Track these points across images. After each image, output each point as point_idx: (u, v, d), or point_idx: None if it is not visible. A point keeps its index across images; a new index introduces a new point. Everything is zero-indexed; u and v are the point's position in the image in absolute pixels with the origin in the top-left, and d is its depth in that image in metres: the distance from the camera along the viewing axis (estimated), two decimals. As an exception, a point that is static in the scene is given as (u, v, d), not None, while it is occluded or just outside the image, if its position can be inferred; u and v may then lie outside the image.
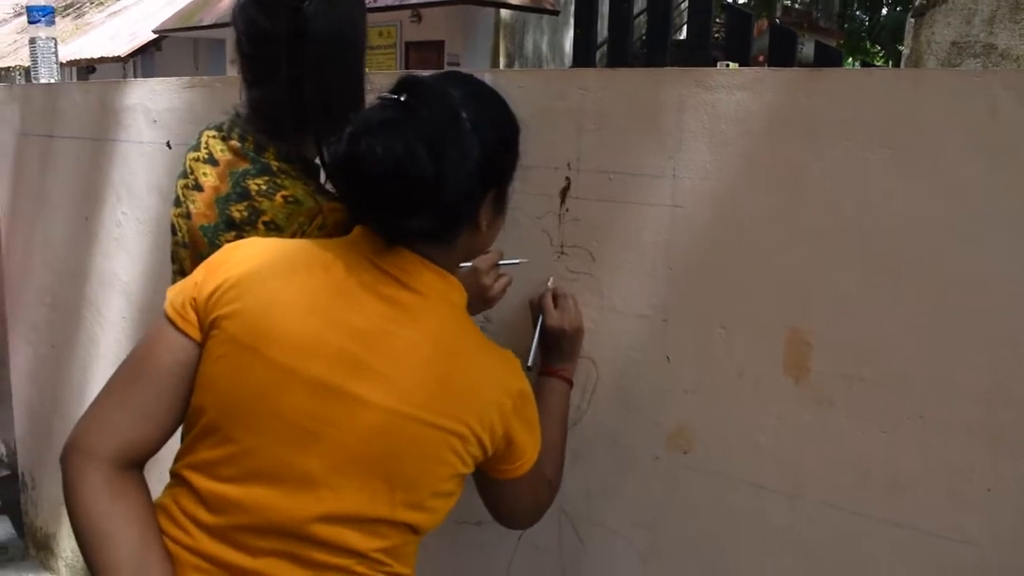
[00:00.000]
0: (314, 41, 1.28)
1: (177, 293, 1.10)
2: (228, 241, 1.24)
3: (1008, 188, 1.04)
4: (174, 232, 1.44)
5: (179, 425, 1.11)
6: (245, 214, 1.31)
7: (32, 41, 2.75)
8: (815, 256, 1.18)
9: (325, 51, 1.30)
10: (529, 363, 1.35)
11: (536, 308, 1.41)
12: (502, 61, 11.29)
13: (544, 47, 12.17)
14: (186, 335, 1.08)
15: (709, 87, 1.25)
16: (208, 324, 1.07)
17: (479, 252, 1.22)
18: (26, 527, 3.13)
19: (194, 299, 1.08)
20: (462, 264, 1.22)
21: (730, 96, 1.23)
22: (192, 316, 1.08)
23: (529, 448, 1.16)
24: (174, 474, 1.11)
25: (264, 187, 1.30)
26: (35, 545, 3.07)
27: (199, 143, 1.40)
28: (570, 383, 1.40)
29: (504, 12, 11.02)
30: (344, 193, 1.14)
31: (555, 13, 11.37)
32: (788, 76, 1.21)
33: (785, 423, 1.23)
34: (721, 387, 1.29)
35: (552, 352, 1.39)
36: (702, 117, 1.26)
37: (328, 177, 1.11)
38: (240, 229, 1.31)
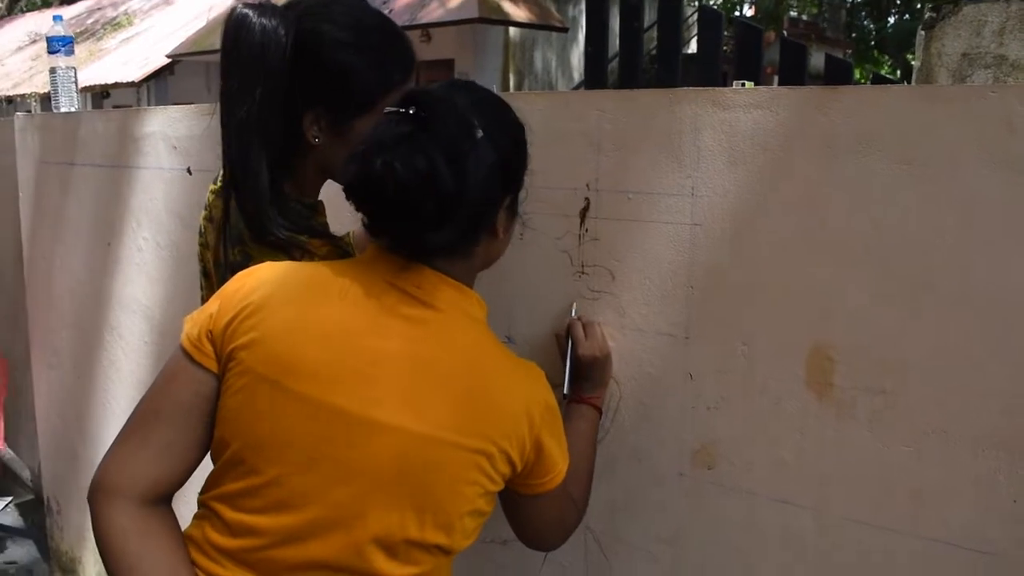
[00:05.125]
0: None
1: (193, 324, 1.10)
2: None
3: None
4: (200, 260, 1.46)
5: (203, 456, 1.11)
6: (239, 258, 1.28)
7: (52, 71, 2.78)
8: (835, 272, 1.19)
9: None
10: (565, 392, 1.36)
11: (564, 338, 1.41)
12: (512, 79, 11.35)
13: (553, 64, 12.22)
14: (204, 368, 1.07)
15: (725, 106, 1.27)
16: (226, 356, 1.06)
17: (495, 259, 1.22)
18: (51, 551, 3.15)
19: (210, 331, 1.07)
20: None
21: (747, 115, 1.25)
22: (209, 348, 1.07)
23: (559, 461, 1.15)
24: (202, 504, 1.11)
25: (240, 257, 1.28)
26: (60, 569, 3.09)
27: (218, 175, 1.42)
28: (599, 410, 1.41)
29: (513, 30, 11.09)
30: (363, 213, 1.12)
31: (564, 30, 11.42)
32: (804, 94, 1.22)
33: (808, 438, 1.24)
34: (744, 403, 1.29)
35: (582, 380, 1.39)
36: (719, 136, 1.27)
37: (347, 199, 1.10)
38: (237, 271, 1.24)
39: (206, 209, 1.42)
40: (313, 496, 1.04)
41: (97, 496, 1.06)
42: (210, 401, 1.08)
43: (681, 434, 1.37)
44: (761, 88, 1.32)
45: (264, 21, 1.21)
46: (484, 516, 1.12)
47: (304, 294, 1.08)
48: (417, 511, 1.05)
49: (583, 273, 1.44)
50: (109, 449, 1.09)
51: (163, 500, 1.08)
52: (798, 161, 1.21)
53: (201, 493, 1.12)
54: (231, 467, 1.07)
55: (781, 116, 1.22)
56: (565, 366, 1.39)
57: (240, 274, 1.13)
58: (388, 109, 1.09)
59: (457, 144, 1.04)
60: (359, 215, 1.11)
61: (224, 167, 1.28)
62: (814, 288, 1.21)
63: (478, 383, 1.08)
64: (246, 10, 1.22)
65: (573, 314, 1.43)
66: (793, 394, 1.24)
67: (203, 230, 1.42)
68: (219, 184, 1.37)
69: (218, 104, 1.26)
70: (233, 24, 1.22)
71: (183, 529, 1.12)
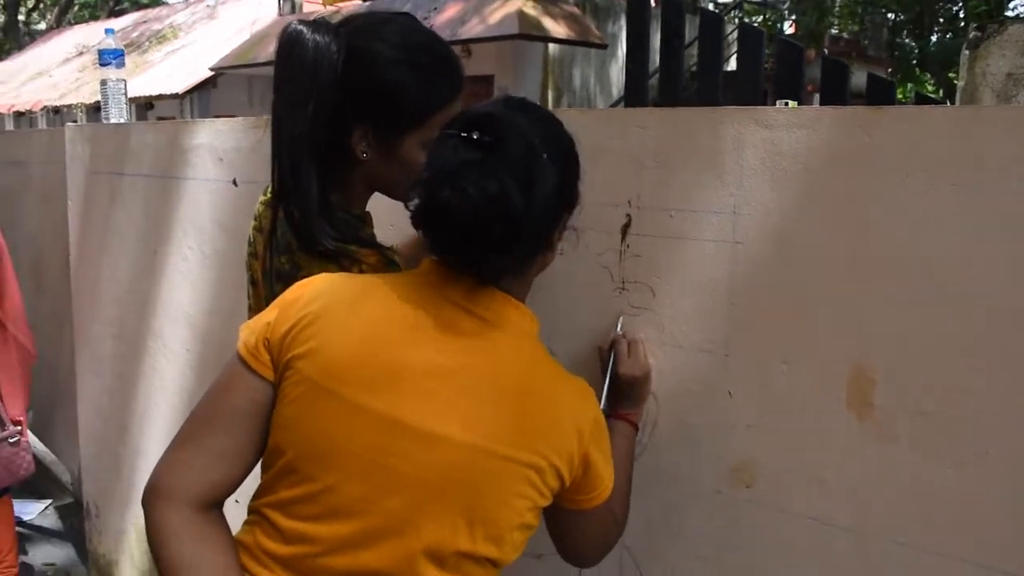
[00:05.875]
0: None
1: (250, 333, 1.11)
2: (280, 289, 1.22)
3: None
4: (248, 270, 1.48)
5: (257, 462, 1.12)
6: (287, 267, 1.31)
7: (103, 83, 2.85)
8: (876, 291, 1.18)
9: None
10: (602, 407, 1.36)
11: (607, 353, 1.42)
12: (551, 95, 11.38)
13: (592, 80, 12.24)
14: (260, 376, 1.09)
15: (768, 125, 1.27)
16: (283, 365, 1.08)
17: (544, 268, 1.22)
18: (89, 554, 3.20)
19: (267, 339, 1.09)
20: None
21: (789, 134, 1.25)
22: (266, 357, 1.09)
23: (606, 477, 1.16)
24: (254, 511, 1.13)
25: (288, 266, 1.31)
26: (97, 572, 3.14)
27: (267, 187, 1.44)
28: (636, 427, 1.41)
29: (552, 46, 11.12)
30: (430, 238, 1.11)
31: (603, 47, 11.44)
32: (846, 113, 1.22)
33: (849, 458, 1.23)
34: (783, 422, 1.29)
35: (622, 397, 1.40)
36: (762, 154, 1.27)
37: (415, 226, 1.10)
38: (286, 280, 1.27)
39: (255, 220, 1.44)
40: (367, 505, 1.05)
41: (152, 499, 1.08)
42: (265, 409, 1.09)
43: (719, 452, 1.37)
44: (804, 108, 1.32)
45: (317, 38, 1.23)
46: (532, 530, 1.13)
47: (362, 307, 1.10)
48: (469, 523, 1.06)
49: (624, 289, 1.45)
50: (164, 453, 1.11)
51: (216, 505, 1.10)
52: (840, 181, 1.21)
53: (253, 499, 1.14)
54: (285, 475, 1.08)
55: (824, 136, 1.22)
56: (604, 380, 1.40)
57: (298, 284, 1.15)
58: (448, 132, 1.09)
59: (526, 168, 1.05)
60: (402, 227, 1.13)
61: (273, 179, 1.31)
62: (855, 308, 1.21)
63: (531, 398, 1.09)
64: (300, 27, 1.24)
65: (618, 329, 1.43)
66: (833, 413, 1.24)
67: (252, 240, 1.45)
68: (268, 195, 1.40)
69: (269, 117, 1.28)
70: (287, 40, 1.25)
71: (234, 534, 1.14)
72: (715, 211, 1.33)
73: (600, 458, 1.14)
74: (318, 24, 1.25)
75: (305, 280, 1.15)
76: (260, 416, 1.10)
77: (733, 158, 1.30)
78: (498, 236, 1.04)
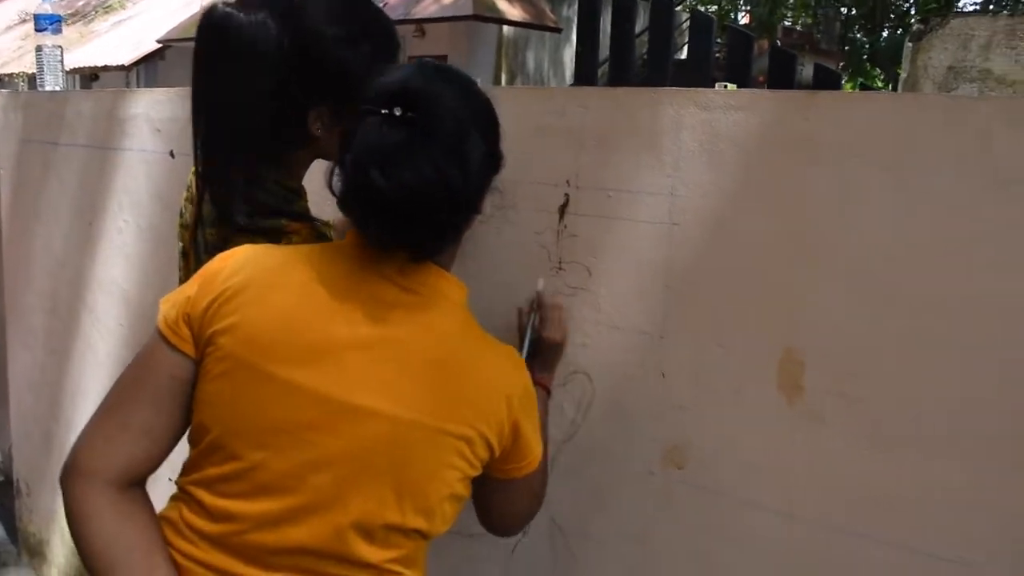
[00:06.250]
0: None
1: (171, 307, 1.08)
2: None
3: (999, 209, 1.05)
4: (179, 240, 1.45)
5: (179, 439, 1.10)
6: (215, 240, 1.28)
7: (39, 48, 2.76)
8: (811, 275, 1.19)
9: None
10: (523, 354, 1.36)
11: (527, 316, 1.41)
12: (504, 77, 11.35)
13: (545, 63, 12.23)
14: (181, 352, 1.06)
15: (706, 107, 1.27)
16: (204, 340, 1.05)
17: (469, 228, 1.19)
18: (19, 533, 3.13)
19: (188, 314, 1.06)
20: None
21: (728, 116, 1.25)
22: (186, 332, 1.06)
23: (535, 447, 1.16)
24: (180, 488, 1.11)
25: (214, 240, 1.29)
26: (28, 551, 3.07)
27: None
28: (549, 392, 1.41)
29: (507, 28, 11.09)
30: (362, 222, 1.08)
31: (557, 30, 11.43)
32: (786, 97, 1.22)
33: (779, 441, 1.24)
34: (717, 404, 1.30)
35: (539, 362, 1.39)
36: (700, 136, 1.27)
37: (342, 210, 1.07)
38: (214, 253, 1.23)
39: (187, 190, 1.41)
40: (294, 481, 1.04)
41: (71, 478, 1.05)
42: (187, 385, 1.07)
43: (652, 433, 1.37)
44: (742, 90, 1.33)
45: (252, 19, 1.21)
46: (462, 501, 1.12)
47: (284, 278, 1.07)
48: (397, 496, 1.05)
49: (560, 269, 1.44)
50: (83, 431, 1.07)
51: (138, 483, 1.07)
52: (778, 164, 1.21)
53: (180, 476, 1.12)
54: (211, 452, 1.06)
55: (762, 119, 1.22)
56: (524, 340, 1.39)
57: (219, 256, 1.12)
58: (368, 107, 1.03)
59: (458, 145, 1.03)
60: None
61: (196, 157, 1.28)
62: (788, 291, 1.21)
63: (458, 368, 1.08)
64: (228, 9, 1.22)
65: (540, 287, 1.42)
66: (765, 396, 1.25)
67: (183, 211, 1.42)
68: None
69: (190, 93, 1.26)
70: (216, 22, 1.22)
71: (158, 511, 1.11)
72: (653, 192, 1.33)
73: (530, 427, 1.14)
74: (247, 3, 1.22)
75: (227, 252, 1.12)
76: (181, 393, 1.07)
77: (671, 139, 1.30)
78: (436, 217, 1.03)
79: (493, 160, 1.12)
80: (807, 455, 1.22)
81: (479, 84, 1.15)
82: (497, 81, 11.23)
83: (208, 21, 1.22)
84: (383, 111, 1.01)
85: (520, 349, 1.38)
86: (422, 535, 1.09)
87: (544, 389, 1.40)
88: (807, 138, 1.18)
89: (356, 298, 1.07)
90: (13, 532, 3.20)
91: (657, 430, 1.36)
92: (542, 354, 1.39)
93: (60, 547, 2.84)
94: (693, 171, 1.28)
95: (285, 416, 1.03)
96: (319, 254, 1.11)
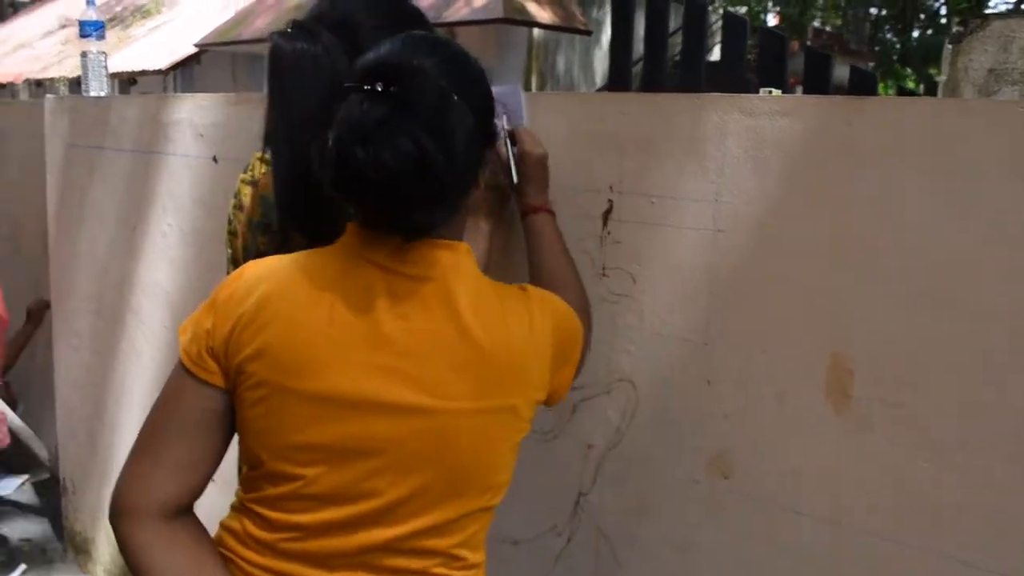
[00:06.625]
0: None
1: (191, 340, 1.06)
2: None
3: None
4: (228, 247, 1.48)
5: (221, 461, 1.10)
6: (267, 249, 1.30)
7: (84, 55, 2.81)
8: (856, 281, 1.19)
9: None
10: (515, 180, 1.38)
11: (503, 145, 1.36)
12: (534, 79, 11.34)
13: (575, 66, 12.21)
14: (212, 385, 1.05)
15: (751, 113, 1.27)
16: (234, 370, 1.04)
17: (472, 204, 1.19)
18: (65, 530, 3.18)
19: (211, 348, 1.05)
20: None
21: (772, 122, 1.25)
22: (212, 365, 1.05)
23: (570, 377, 1.21)
24: (242, 503, 1.12)
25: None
26: (74, 548, 3.13)
27: (250, 163, 1.44)
28: (553, 214, 1.41)
29: (537, 31, 11.08)
30: (353, 205, 1.06)
31: (588, 33, 11.40)
32: (830, 103, 1.22)
33: (825, 449, 1.24)
34: (762, 412, 1.29)
35: (530, 184, 1.38)
36: (745, 142, 1.28)
37: (328, 192, 1.03)
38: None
39: (235, 198, 1.44)
40: (351, 490, 1.05)
41: (117, 517, 1.06)
42: (221, 413, 1.07)
43: (697, 441, 1.37)
44: (787, 96, 1.32)
45: (299, 46, 1.29)
46: (515, 459, 1.14)
47: (296, 291, 1.05)
48: (453, 484, 1.06)
49: (604, 275, 1.45)
50: (122, 469, 1.08)
51: (183, 511, 1.08)
52: (822, 170, 1.21)
53: (240, 490, 1.13)
54: (264, 477, 1.07)
55: (807, 125, 1.22)
56: (512, 169, 1.37)
57: (226, 282, 1.10)
58: (351, 85, 1.01)
59: (440, 118, 0.99)
60: None
61: (273, 167, 1.34)
62: (835, 297, 1.21)
63: (486, 342, 1.05)
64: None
65: (504, 125, 1.37)
66: (811, 404, 1.24)
67: (232, 218, 1.44)
68: (248, 174, 1.40)
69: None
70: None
71: (221, 520, 1.13)
72: (696, 199, 1.33)
73: (569, 368, 1.19)
74: (297, 32, 1.30)
75: (235, 274, 1.10)
76: (216, 423, 1.07)
77: (715, 145, 1.30)
78: (422, 195, 0.99)
79: (484, 132, 1.10)
80: (854, 463, 1.21)
81: (471, 56, 1.13)
82: (528, 83, 11.24)
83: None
84: (365, 87, 0.99)
85: (510, 177, 1.38)
86: (487, 509, 1.12)
87: (549, 213, 1.39)
88: (852, 143, 1.18)
89: (370, 298, 1.05)
90: (60, 530, 3.26)
91: (702, 438, 1.37)
92: (530, 175, 1.37)
93: (105, 545, 2.89)
94: (738, 177, 1.29)
95: (329, 430, 1.03)
96: (320, 259, 1.09)
